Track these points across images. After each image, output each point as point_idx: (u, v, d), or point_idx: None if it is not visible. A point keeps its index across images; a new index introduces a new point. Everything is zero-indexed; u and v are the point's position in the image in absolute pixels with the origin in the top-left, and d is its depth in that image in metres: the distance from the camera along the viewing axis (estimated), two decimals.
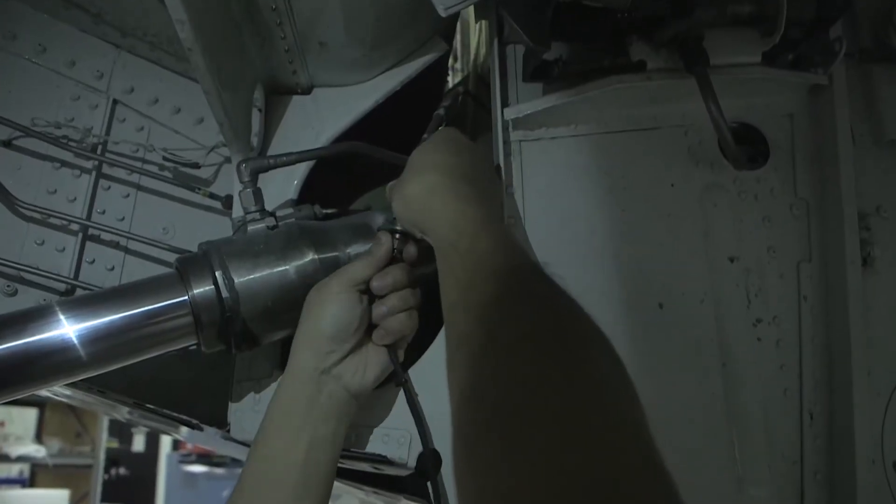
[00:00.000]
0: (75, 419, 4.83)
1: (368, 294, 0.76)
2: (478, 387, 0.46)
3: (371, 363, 0.76)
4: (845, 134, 0.81)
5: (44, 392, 0.85)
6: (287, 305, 0.80)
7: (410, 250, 0.78)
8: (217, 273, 0.77)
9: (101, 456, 4.59)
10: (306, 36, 0.86)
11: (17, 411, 4.68)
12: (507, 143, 0.80)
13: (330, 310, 0.74)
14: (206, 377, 1.02)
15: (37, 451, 4.64)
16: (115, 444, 4.68)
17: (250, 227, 0.83)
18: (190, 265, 0.79)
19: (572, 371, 0.43)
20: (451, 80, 1.33)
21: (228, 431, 0.92)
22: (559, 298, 0.50)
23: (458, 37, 1.30)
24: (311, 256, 0.81)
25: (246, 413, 0.91)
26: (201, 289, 0.77)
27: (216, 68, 0.77)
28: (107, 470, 4.59)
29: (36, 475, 4.73)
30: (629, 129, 0.84)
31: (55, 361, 0.73)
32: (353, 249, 0.84)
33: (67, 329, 0.73)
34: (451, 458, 0.47)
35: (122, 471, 4.64)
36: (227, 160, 1.10)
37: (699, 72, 0.75)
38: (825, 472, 0.73)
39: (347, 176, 1.08)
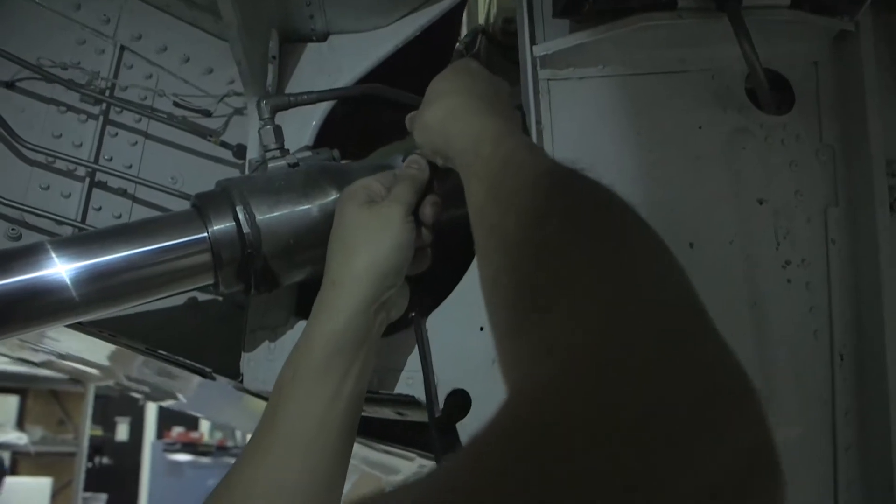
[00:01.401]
0: (58, 406, 4.76)
1: None
2: (520, 271, 0.43)
3: (403, 295, 0.74)
4: (872, 80, 0.80)
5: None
6: (309, 244, 0.78)
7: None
8: (238, 208, 0.75)
9: (85, 444, 4.52)
10: None
11: None
12: (535, 81, 0.79)
13: (397, 239, 0.69)
14: (215, 329, 1.00)
15: (18, 438, 4.56)
16: (98, 433, 4.61)
17: (270, 165, 0.80)
18: (209, 201, 0.76)
19: (626, 244, 0.42)
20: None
21: (241, 382, 0.89)
22: (599, 186, 0.47)
23: None
24: (333, 195, 0.79)
25: (260, 363, 0.89)
26: (221, 225, 0.75)
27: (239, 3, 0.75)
28: (90, 458, 4.52)
29: (17, 463, 4.65)
30: (656, 72, 0.82)
31: (48, 302, 0.69)
32: None
33: (59, 268, 0.68)
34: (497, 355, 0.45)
35: (105, 460, 4.57)
36: (237, 111, 1.08)
37: (732, 9, 0.74)
38: (856, 412, 0.73)
39: (359, 135, 1.07)
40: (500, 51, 1.24)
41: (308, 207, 0.78)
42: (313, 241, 0.78)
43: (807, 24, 0.80)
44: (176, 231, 0.76)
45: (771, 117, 0.82)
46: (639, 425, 0.28)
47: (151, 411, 4.73)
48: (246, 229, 0.75)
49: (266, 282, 0.78)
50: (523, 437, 0.28)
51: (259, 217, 0.75)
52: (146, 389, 1.73)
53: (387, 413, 0.83)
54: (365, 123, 1.08)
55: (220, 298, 1.02)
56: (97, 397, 4.46)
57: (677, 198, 0.78)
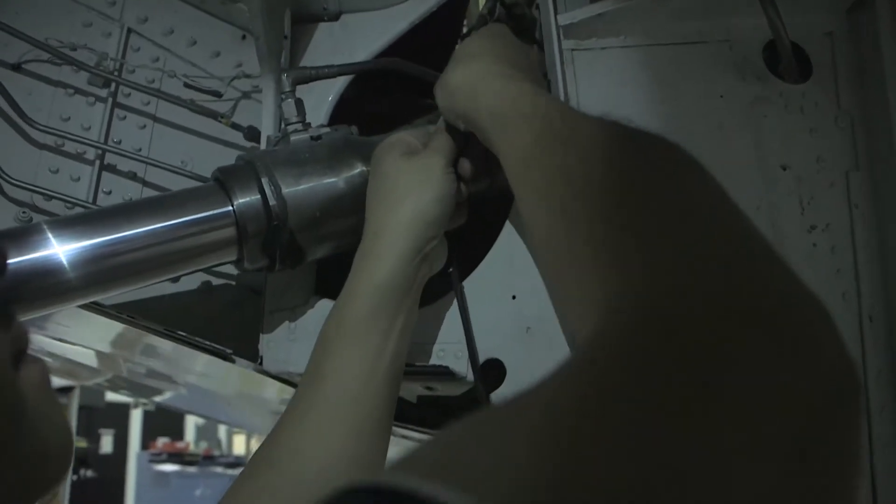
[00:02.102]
0: None
1: None
2: (591, 202, 0.43)
3: (443, 248, 0.73)
4: (891, 48, 0.81)
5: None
6: (335, 217, 0.77)
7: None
8: (263, 180, 0.74)
9: None
10: None
11: None
12: (560, 51, 0.79)
13: (439, 189, 0.68)
14: (228, 314, 0.98)
15: None
16: (83, 444, 4.52)
17: (293, 139, 0.79)
18: (232, 173, 0.75)
19: (699, 178, 0.43)
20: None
21: (261, 363, 0.88)
22: (653, 134, 0.47)
23: None
24: (359, 168, 0.78)
25: (281, 343, 0.88)
26: (246, 197, 0.74)
27: None
28: (74, 471, 4.43)
29: None
30: (676, 43, 0.83)
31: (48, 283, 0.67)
32: None
33: (57, 249, 0.65)
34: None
35: (89, 473, 4.48)
36: (245, 95, 1.07)
37: None
38: (888, 372, 0.73)
39: (368, 118, 1.06)
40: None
41: (334, 180, 0.77)
42: (339, 214, 0.77)
43: None
44: (198, 205, 0.74)
45: (789, 86, 0.82)
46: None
47: (136, 422, 4.66)
48: (272, 201, 0.73)
49: (291, 256, 0.77)
50: (646, 335, 0.28)
51: (285, 189, 0.74)
52: (141, 381, 1.69)
53: (415, 388, 0.82)
54: (374, 108, 1.07)
55: (234, 283, 1.01)
56: (81, 408, 4.37)
57: (705, 165, 0.78)
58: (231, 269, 1.01)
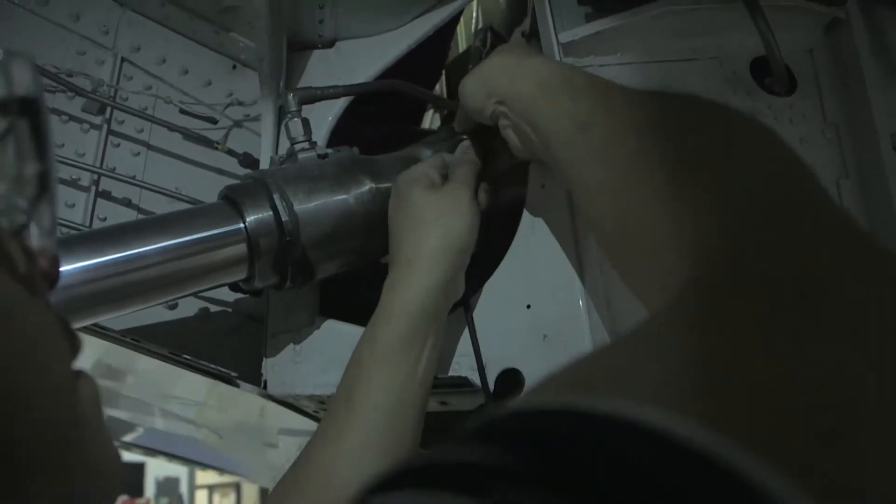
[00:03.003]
0: None
1: None
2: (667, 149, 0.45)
3: (463, 277, 0.74)
4: (868, 62, 0.86)
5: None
6: (346, 233, 0.77)
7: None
8: (275, 196, 0.73)
9: None
10: None
11: None
12: None
13: (468, 219, 0.69)
14: (226, 340, 0.96)
15: None
16: None
17: (300, 157, 0.79)
18: (242, 190, 0.75)
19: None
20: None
21: (264, 388, 0.86)
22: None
23: None
24: (369, 185, 0.78)
25: (286, 366, 0.86)
26: (258, 214, 0.73)
27: None
28: None
29: None
30: (669, 60, 0.86)
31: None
32: None
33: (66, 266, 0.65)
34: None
35: None
36: (236, 124, 1.07)
37: None
38: None
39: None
40: None
41: (345, 197, 0.77)
42: (349, 231, 0.77)
43: (806, 10, 0.85)
44: (207, 222, 0.73)
45: (777, 99, 0.86)
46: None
47: None
48: (284, 217, 0.73)
49: (302, 273, 0.76)
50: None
51: (297, 206, 0.74)
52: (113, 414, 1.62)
53: (430, 405, 0.81)
54: (364, 134, 1.08)
55: (230, 310, 0.99)
56: None
57: None
58: (228, 296, 0.99)
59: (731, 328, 0.28)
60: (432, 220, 0.69)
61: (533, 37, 1.31)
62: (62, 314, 0.41)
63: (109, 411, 1.55)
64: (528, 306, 0.75)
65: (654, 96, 0.52)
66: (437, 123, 1.94)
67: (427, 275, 0.67)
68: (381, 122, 1.17)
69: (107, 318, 0.69)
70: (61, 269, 0.64)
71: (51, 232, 0.39)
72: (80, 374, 0.42)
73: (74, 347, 0.42)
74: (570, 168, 0.55)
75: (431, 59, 1.23)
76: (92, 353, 0.96)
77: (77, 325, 0.68)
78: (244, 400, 0.94)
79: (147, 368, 1.03)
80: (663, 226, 0.41)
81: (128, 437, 1.94)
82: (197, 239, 0.72)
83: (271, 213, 0.73)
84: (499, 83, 0.65)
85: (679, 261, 0.37)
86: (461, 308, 0.76)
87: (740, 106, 0.84)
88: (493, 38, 0.97)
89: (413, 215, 0.71)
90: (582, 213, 0.71)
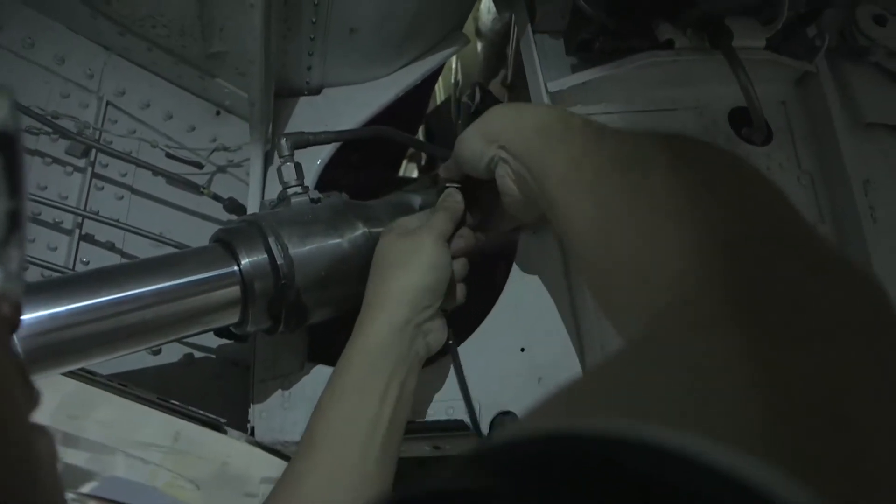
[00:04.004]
0: None
1: None
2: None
3: (442, 324, 0.73)
4: (838, 113, 0.90)
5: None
6: (339, 277, 0.77)
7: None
8: (270, 239, 0.73)
9: None
10: (340, 19, 0.86)
11: None
12: None
13: (431, 260, 0.70)
14: (210, 386, 0.95)
15: None
16: None
17: (293, 201, 0.80)
18: (237, 233, 0.74)
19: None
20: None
21: (252, 434, 0.85)
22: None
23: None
24: (362, 229, 0.79)
25: (274, 412, 0.85)
26: (253, 257, 0.73)
27: (268, 33, 0.76)
28: None
29: None
30: (650, 110, 0.89)
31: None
32: None
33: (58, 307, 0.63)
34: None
35: None
36: (220, 169, 1.07)
37: (726, 46, 0.82)
38: None
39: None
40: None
41: (339, 241, 0.77)
42: (343, 274, 0.77)
43: (778, 64, 0.89)
44: (200, 265, 0.73)
45: (755, 148, 0.90)
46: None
47: None
48: (279, 260, 0.73)
49: (296, 317, 0.76)
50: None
51: (292, 249, 0.74)
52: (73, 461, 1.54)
53: (422, 449, 0.81)
54: (347, 181, 1.09)
55: (214, 356, 0.98)
56: None
57: None
58: (212, 342, 0.98)
59: (722, 340, 0.30)
60: (394, 262, 0.71)
61: (514, 88, 1.34)
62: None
63: (69, 458, 1.49)
64: (523, 349, 0.76)
65: (644, 134, 0.53)
66: (411, 172, 1.96)
67: (383, 315, 0.68)
68: (360, 169, 1.18)
69: (97, 363, 0.67)
70: (56, 310, 0.63)
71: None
72: (37, 428, 0.37)
73: (33, 400, 0.38)
74: (563, 207, 0.56)
75: (413, 108, 1.25)
76: (54, 396, 0.93)
77: (67, 368, 0.66)
78: (217, 448, 0.92)
79: (111, 413, 1.00)
80: (648, 258, 0.43)
81: (84, 488, 1.86)
82: (191, 282, 0.71)
83: (266, 255, 0.73)
84: (501, 128, 0.66)
85: (663, 293, 0.38)
86: (449, 350, 0.76)
87: None
88: (481, 94, 1.00)
89: (378, 261, 0.72)
90: (573, 255, 0.72)
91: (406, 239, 0.72)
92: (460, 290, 0.76)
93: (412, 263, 0.70)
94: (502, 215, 0.77)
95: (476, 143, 0.69)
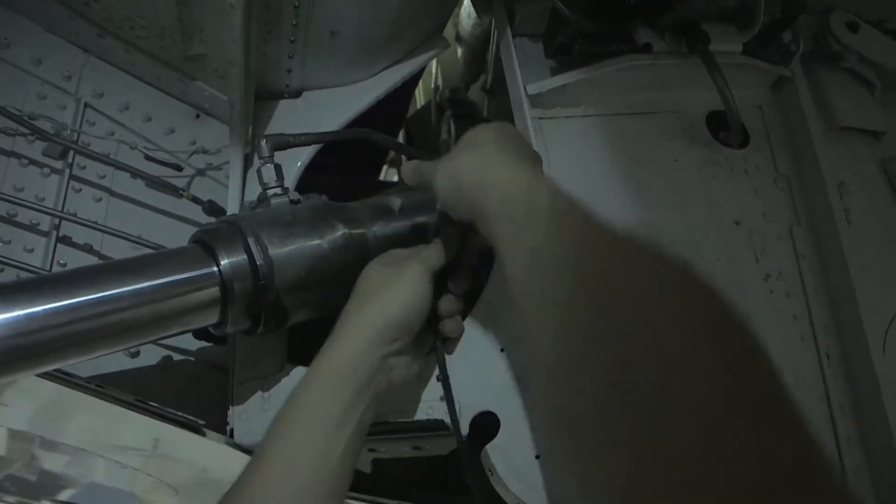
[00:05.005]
0: None
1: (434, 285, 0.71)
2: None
3: (417, 360, 0.72)
4: (813, 117, 0.92)
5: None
6: (319, 279, 0.76)
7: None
8: (249, 239, 0.73)
9: None
10: (321, 21, 0.86)
11: None
12: (530, 119, 0.84)
13: (406, 294, 0.67)
14: (190, 388, 0.94)
15: None
16: None
17: (273, 202, 0.79)
18: (216, 234, 0.74)
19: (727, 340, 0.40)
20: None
21: (231, 436, 0.84)
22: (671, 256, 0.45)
23: None
24: (342, 230, 0.79)
25: (254, 414, 0.84)
26: (232, 258, 0.72)
27: (249, 35, 0.76)
28: None
29: None
30: (630, 113, 0.90)
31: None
32: (377, 228, 0.83)
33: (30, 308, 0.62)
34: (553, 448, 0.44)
35: None
36: (200, 172, 1.06)
37: (703, 50, 0.83)
38: (850, 405, 0.78)
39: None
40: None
41: (319, 242, 0.77)
42: (324, 276, 0.77)
43: (756, 68, 0.91)
44: (179, 265, 0.72)
45: (732, 151, 0.91)
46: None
47: None
48: (259, 261, 0.72)
49: (276, 317, 0.75)
50: None
51: (271, 250, 0.74)
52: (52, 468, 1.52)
53: (401, 449, 0.80)
54: (326, 184, 1.09)
55: (193, 359, 0.97)
56: None
57: (666, 220, 0.84)
58: (190, 344, 0.97)
59: None
60: (371, 290, 0.69)
61: (493, 92, 1.35)
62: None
63: (47, 463, 1.47)
64: (502, 350, 0.76)
65: (612, 242, 0.48)
66: (392, 177, 1.96)
67: (353, 335, 0.66)
68: (339, 173, 1.18)
69: (74, 363, 0.67)
70: (32, 310, 0.62)
71: None
72: None
73: None
74: (520, 297, 0.52)
75: (393, 112, 1.25)
76: (37, 401, 0.92)
77: (43, 370, 0.65)
78: (196, 453, 0.91)
79: (90, 417, 0.99)
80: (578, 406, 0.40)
81: (62, 496, 1.83)
82: (170, 282, 0.71)
83: (245, 256, 0.73)
84: (469, 191, 0.61)
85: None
86: (436, 353, 0.76)
87: (697, 158, 0.89)
88: (455, 107, 0.98)
89: (358, 284, 0.71)
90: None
91: (390, 267, 0.71)
92: (452, 324, 0.74)
93: (387, 294, 0.68)
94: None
95: (449, 193, 0.65)
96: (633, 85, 0.88)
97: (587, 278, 0.45)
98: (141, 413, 0.79)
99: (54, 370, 0.70)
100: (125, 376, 0.88)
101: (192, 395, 0.91)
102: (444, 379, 0.75)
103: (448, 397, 0.74)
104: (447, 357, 0.74)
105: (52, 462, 1.44)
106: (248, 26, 0.75)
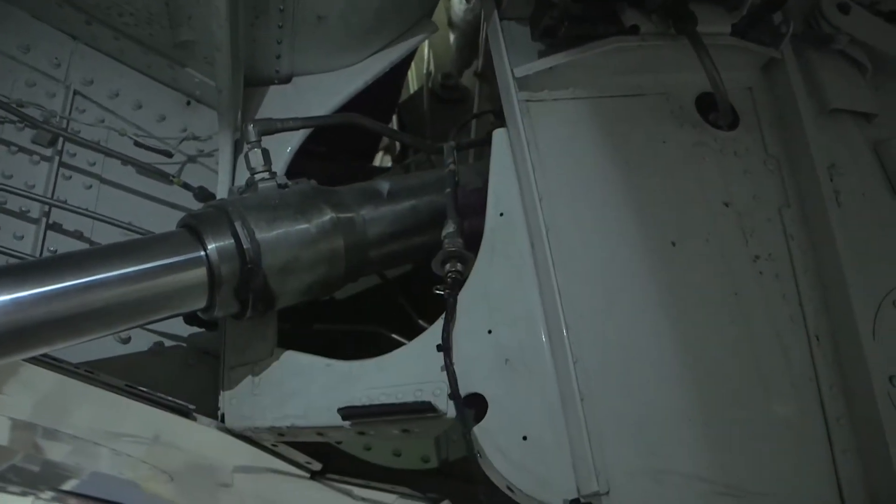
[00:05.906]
0: None
1: None
2: None
3: None
4: (804, 98, 0.91)
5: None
6: (307, 262, 0.77)
7: None
8: (236, 224, 0.73)
9: None
10: (307, 6, 0.86)
11: None
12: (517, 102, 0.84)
13: None
14: (180, 374, 0.94)
15: None
16: None
17: (260, 187, 0.80)
18: (203, 218, 0.74)
19: None
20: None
21: (222, 421, 0.84)
22: None
23: None
24: (329, 214, 0.79)
25: (244, 398, 0.85)
26: (219, 241, 0.73)
27: (235, 19, 0.76)
28: None
29: None
30: (618, 95, 0.90)
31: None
32: (365, 212, 0.83)
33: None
34: None
35: None
36: (191, 159, 1.06)
37: (690, 31, 0.83)
38: (840, 385, 0.78)
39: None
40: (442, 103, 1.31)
41: (306, 226, 0.77)
42: (311, 260, 0.77)
43: (745, 50, 0.90)
44: (167, 249, 0.73)
45: (722, 132, 0.90)
46: None
47: None
48: (246, 244, 0.73)
49: (264, 301, 0.76)
50: None
51: (258, 233, 0.74)
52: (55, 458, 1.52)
53: (390, 432, 0.81)
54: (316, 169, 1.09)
55: (185, 345, 0.97)
56: None
57: (655, 201, 0.84)
58: (182, 330, 0.97)
59: None
60: None
61: (484, 77, 1.35)
62: None
63: (49, 453, 1.47)
64: (490, 331, 0.76)
65: None
66: (387, 163, 1.96)
67: None
68: (331, 160, 1.18)
69: (63, 347, 0.67)
70: (19, 295, 0.63)
71: None
72: None
73: None
74: None
75: (385, 97, 1.25)
76: (37, 390, 0.93)
77: (31, 354, 0.66)
78: (190, 439, 0.92)
79: (90, 407, 0.99)
80: None
81: (66, 485, 1.84)
82: (157, 266, 0.71)
83: (233, 240, 0.73)
84: None
85: None
86: (424, 339, 0.76)
87: (687, 140, 0.88)
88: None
89: None
90: None
91: None
92: None
93: None
94: None
95: None
96: (621, 67, 0.88)
97: None
98: (131, 398, 0.79)
99: (42, 355, 0.71)
100: (117, 362, 0.88)
101: (184, 381, 0.92)
102: (447, 334, 0.74)
103: (447, 354, 0.74)
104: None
105: (54, 451, 1.45)
106: (235, 11, 0.75)
